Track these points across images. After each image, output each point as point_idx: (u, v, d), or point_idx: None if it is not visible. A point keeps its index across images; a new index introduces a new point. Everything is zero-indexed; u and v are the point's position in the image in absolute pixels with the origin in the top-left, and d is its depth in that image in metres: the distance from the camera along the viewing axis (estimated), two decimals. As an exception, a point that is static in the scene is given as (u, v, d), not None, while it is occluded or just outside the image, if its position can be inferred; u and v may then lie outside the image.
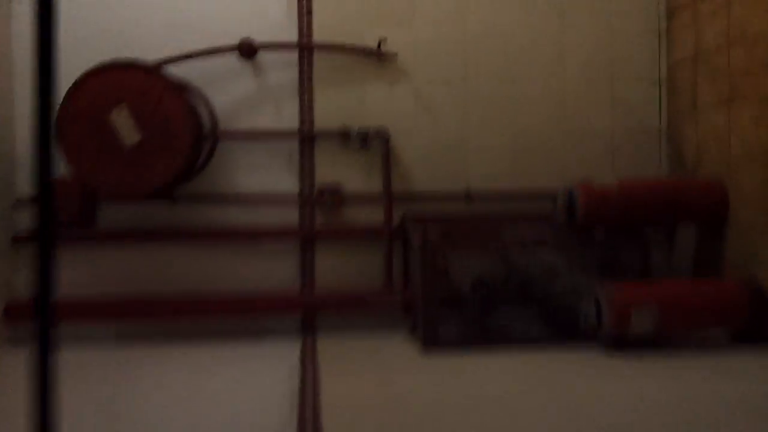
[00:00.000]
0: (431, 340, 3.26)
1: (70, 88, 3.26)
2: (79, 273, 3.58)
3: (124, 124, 3.31)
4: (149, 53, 3.55)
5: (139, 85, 3.33)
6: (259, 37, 3.71)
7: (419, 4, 3.86)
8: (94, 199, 3.53)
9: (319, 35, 3.79)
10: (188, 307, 3.58)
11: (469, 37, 3.89)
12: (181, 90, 3.43)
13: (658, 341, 3.14)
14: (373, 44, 3.77)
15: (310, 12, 3.78)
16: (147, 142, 3.33)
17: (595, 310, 3.09)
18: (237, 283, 3.68)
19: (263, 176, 3.76)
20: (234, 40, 3.69)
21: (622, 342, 3.07)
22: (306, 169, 3.78)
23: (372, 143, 3.76)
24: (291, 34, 3.78)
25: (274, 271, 3.73)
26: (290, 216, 3.77)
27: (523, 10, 3.92)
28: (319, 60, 3.80)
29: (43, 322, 1.00)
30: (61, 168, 3.30)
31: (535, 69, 3.93)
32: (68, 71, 3.25)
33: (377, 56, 3.78)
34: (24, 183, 3.60)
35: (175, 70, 3.60)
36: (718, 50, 3.53)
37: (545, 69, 3.93)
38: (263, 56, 3.76)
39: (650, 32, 4.01)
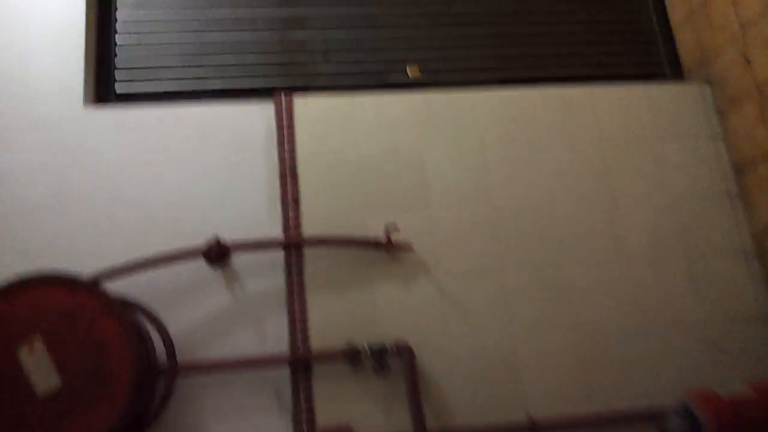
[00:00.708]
0: None
1: (-39, 319, 2.31)
2: None
3: (38, 365, 2.30)
4: (87, 265, 2.67)
5: (62, 308, 2.37)
6: (231, 235, 2.84)
7: (432, 180, 3.06)
8: (-6, 480, 2.42)
9: (309, 227, 2.93)
10: None
11: (499, 216, 3.06)
12: (123, 311, 2.47)
13: None
14: (380, 233, 2.91)
15: (296, 199, 2.95)
16: (72, 387, 2.31)
17: None
18: None
19: (242, 422, 2.67)
20: (199, 240, 2.81)
21: None
22: (302, 408, 2.71)
23: (390, 363, 2.75)
24: (274, 229, 2.91)
25: None
26: (282, 479, 2.63)
27: (561, 179, 3.14)
28: (311, 259, 2.90)
29: None
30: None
31: (588, 249, 3.05)
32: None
33: (386, 248, 2.90)
34: None
35: (118, 286, 2.67)
36: (827, 203, 2.72)
37: (601, 248, 3.06)
38: (238, 259, 2.86)
39: (718, 194, 3.22)
